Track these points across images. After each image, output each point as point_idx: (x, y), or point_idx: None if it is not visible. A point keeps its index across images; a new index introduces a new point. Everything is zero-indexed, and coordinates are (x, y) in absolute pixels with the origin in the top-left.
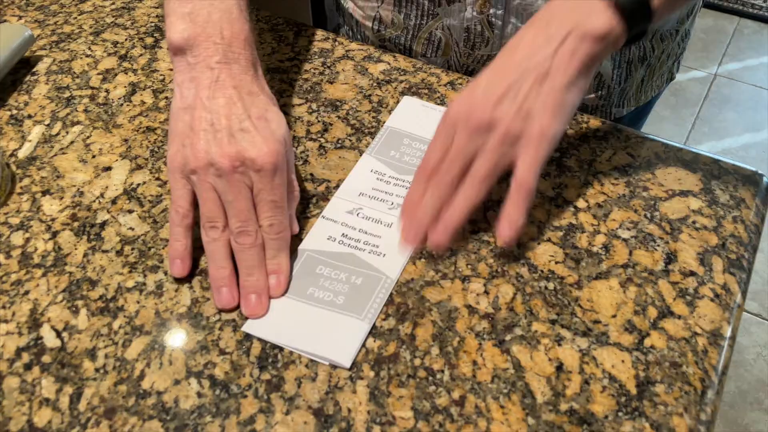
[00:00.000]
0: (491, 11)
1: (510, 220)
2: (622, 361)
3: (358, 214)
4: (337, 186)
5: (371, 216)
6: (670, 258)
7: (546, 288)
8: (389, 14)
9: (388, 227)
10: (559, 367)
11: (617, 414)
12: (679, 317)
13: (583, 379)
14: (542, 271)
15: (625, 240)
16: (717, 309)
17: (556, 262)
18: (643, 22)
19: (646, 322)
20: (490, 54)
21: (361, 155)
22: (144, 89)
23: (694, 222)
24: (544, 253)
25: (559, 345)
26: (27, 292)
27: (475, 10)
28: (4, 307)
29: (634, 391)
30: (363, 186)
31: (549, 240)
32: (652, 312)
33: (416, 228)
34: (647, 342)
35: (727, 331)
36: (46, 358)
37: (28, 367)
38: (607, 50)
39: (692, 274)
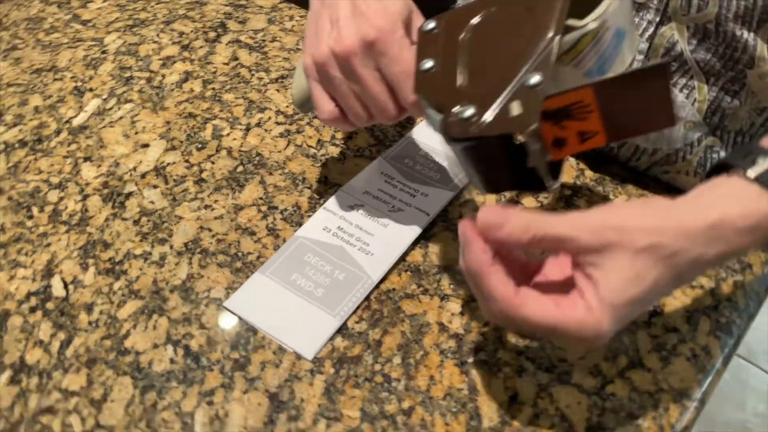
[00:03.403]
0: None
1: None
2: (578, 403)
3: (358, 211)
4: None
5: (370, 214)
6: (656, 311)
7: None
8: None
9: (383, 227)
10: (513, 397)
11: None
12: (649, 370)
13: (534, 413)
14: None
15: None
16: (691, 369)
17: None
18: None
19: (614, 370)
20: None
21: None
22: (196, 78)
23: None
24: None
25: (520, 376)
26: (49, 245)
27: None
28: (26, 254)
29: None
30: (370, 186)
31: None
32: (623, 360)
33: None
34: (609, 388)
35: (697, 393)
36: (49, 305)
37: (32, 310)
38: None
39: (675, 330)
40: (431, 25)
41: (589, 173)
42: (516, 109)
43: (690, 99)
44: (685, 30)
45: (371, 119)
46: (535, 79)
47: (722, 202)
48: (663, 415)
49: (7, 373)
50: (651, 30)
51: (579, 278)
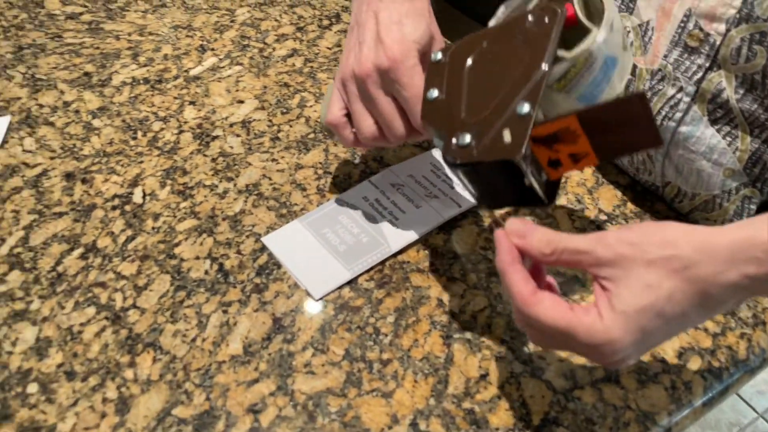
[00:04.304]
0: (651, 150)
1: None
2: (542, 396)
3: (398, 189)
4: None
5: (408, 195)
6: None
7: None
8: None
9: (416, 208)
10: (484, 376)
11: None
12: (622, 388)
13: (498, 394)
14: None
15: None
16: (665, 397)
17: None
18: None
19: (587, 378)
20: (653, 182)
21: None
22: (300, 56)
23: None
24: None
25: (496, 360)
26: (141, 162)
27: None
28: (122, 166)
29: (536, 422)
30: (416, 171)
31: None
32: (599, 373)
33: None
34: (577, 393)
35: (663, 421)
36: (127, 208)
37: (114, 208)
38: None
39: (662, 361)
40: (439, 56)
41: (630, 206)
42: (507, 137)
43: (732, 147)
44: (733, 79)
45: (382, 138)
46: (525, 109)
47: (755, 224)
48: (621, 429)
49: (80, 250)
50: (700, 74)
51: (595, 290)
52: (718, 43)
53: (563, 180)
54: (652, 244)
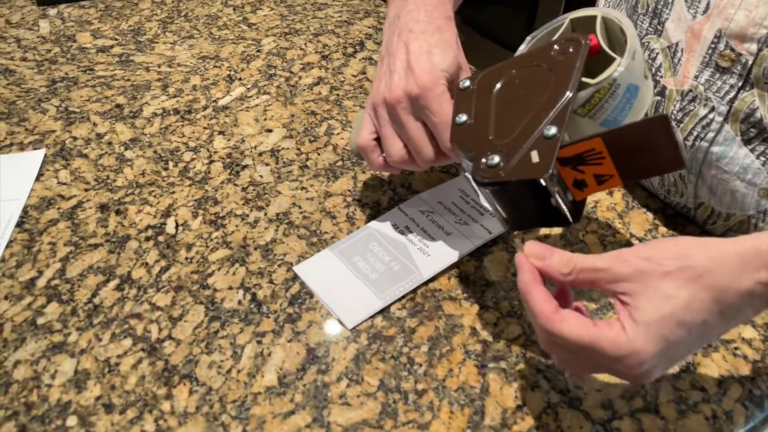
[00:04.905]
0: (683, 171)
1: None
2: (581, 427)
3: (427, 216)
4: None
5: (438, 221)
6: (689, 368)
7: None
8: None
9: (446, 235)
10: (520, 406)
11: None
12: (662, 418)
13: (535, 425)
14: None
15: None
16: (707, 428)
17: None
18: None
19: (626, 408)
20: (684, 204)
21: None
22: (326, 84)
23: (736, 348)
24: None
25: (532, 390)
26: (173, 192)
27: None
28: (154, 196)
29: None
30: (445, 197)
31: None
32: (638, 402)
33: None
34: (616, 423)
35: None
36: (161, 238)
37: (147, 239)
38: None
39: (702, 389)
40: (467, 84)
41: (662, 229)
42: (535, 157)
43: (766, 167)
44: (766, 97)
45: (411, 162)
46: (552, 131)
47: (763, 235)
48: None
49: (116, 281)
50: (732, 94)
51: (616, 307)
52: (750, 62)
53: (592, 204)
54: (666, 257)
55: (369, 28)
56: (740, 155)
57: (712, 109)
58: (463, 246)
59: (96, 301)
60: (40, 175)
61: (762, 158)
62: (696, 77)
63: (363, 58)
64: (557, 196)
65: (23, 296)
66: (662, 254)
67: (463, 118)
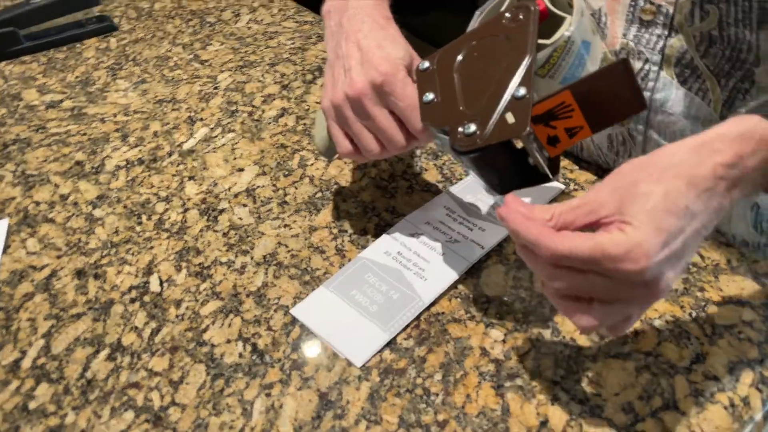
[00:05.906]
0: (631, 125)
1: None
2: None
3: (418, 239)
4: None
5: (429, 243)
6: (699, 358)
7: (561, 353)
8: None
9: (440, 255)
10: (544, 423)
11: None
12: (683, 414)
13: None
14: (564, 337)
15: (658, 330)
16: (727, 418)
17: (580, 333)
18: None
19: (647, 409)
20: None
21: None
22: (291, 114)
23: (740, 332)
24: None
25: (552, 404)
26: (152, 248)
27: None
28: (132, 254)
29: None
30: (432, 217)
31: None
32: (657, 401)
33: None
34: (639, 427)
35: None
36: (146, 298)
37: (132, 300)
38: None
39: (715, 378)
40: (426, 65)
41: None
42: (510, 118)
43: (705, 100)
44: (692, 39)
45: (384, 151)
46: (521, 91)
47: (717, 127)
48: None
49: (106, 351)
50: (661, 43)
51: (605, 228)
52: (671, 11)
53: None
54: (632, 170)
55: (324, 52)
56: (680, 96)
57: (646, 60)
58: (458, 265)
59: (88, 375)
60: (6, 247)
61: (700, 93)
62: (624, 35)
63: (324, 84)
64: (536, 153)
65: (9, 381)
66: (628, 169)
67: (430, 96)
